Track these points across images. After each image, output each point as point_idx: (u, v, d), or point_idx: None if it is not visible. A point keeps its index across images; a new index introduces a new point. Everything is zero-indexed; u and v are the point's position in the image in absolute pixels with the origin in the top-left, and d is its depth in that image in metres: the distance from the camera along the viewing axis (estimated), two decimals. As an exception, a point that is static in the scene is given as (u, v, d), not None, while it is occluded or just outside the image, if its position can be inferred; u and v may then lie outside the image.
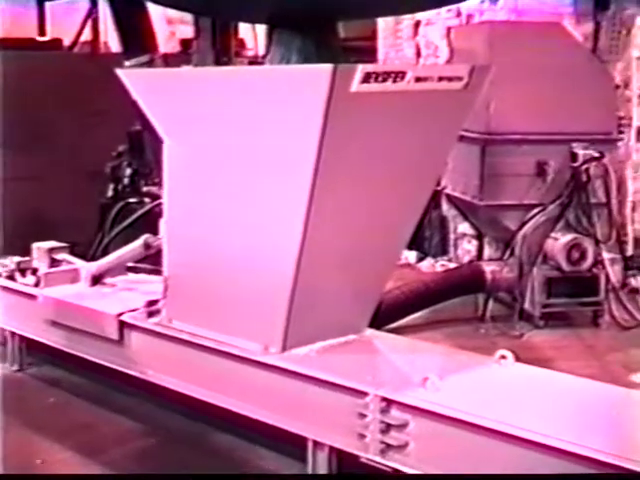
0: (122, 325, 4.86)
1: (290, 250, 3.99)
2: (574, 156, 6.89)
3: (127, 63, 7.61)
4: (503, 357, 4.12)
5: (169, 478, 3.52)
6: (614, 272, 7.07)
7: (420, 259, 8.75)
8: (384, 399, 3.75)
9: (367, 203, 4.08)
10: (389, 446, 3.75)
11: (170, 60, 8.31)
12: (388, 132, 3.93)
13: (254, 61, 10.30)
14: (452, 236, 8.80)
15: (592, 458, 3.19)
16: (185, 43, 10.36)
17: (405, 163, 4.07)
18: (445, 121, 4.12)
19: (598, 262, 6.84)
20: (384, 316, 5.96)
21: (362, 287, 4.38)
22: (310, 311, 4.17)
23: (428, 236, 9.04)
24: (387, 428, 3.75)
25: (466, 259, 8.35)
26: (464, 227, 8.38)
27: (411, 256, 8.75)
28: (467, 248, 8.56)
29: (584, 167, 6.84)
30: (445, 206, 8.65)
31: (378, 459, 3.80)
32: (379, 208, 4.13)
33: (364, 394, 3.81)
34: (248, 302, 4.27)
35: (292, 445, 4.18)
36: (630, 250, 8.39)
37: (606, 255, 6.98)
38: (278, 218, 4.05)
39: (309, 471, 4.07)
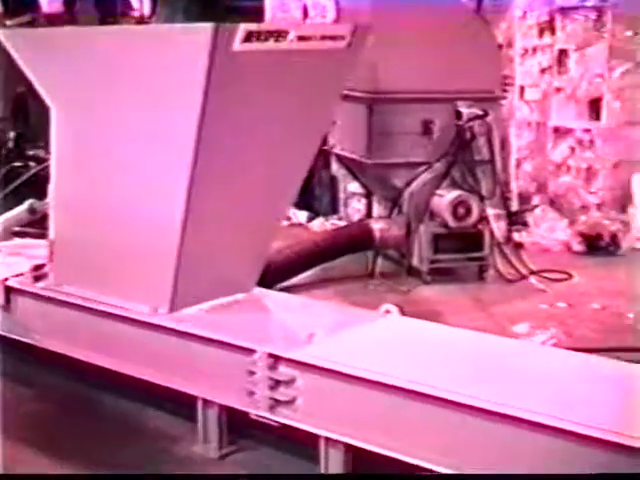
0: (8, 290, 4.79)
1: (175, 211, 3.98)
2: (458, 114, 7.00)
3: (8, 23, 7.43)
4: (388, 311, 4.20)
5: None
6: (499, 227, 7.25)
7: (311, 219, 8.81)
8: (271, 356, 3.78)
9: (251, 162, 4.08)
10: (278, 402, 3.79)
11: (54, 20, 8.14)
12: (271, 91, 3.94)
13: (140, 21, 10.15)
14: (342, 195, 8.89)
15: (478, 407, 3.28)
16: (69, 3, 10.14)
17: (289, 122, 4.09)
18: (328, 80, 4.15)
19: (483, 218, 6.99)
20: (275, 275, 6.02)
21: (249, 246, 4.40)
22: (197, 271, 4.18)
23: (319, 196, 9.11)
24: (275, 384, 3.79)
25: (356, 218, 8.45)
26: (354, 186, 8.46)
27: (302, 216, 8.80)
28: (357, 207, 8.66)
29: (468, 125, 6.96)
30: (335, 166, 8.72)
31: (267, 415, 3.84)
32: (263, 167, 4.15)
33: (252, 352, 3.83)
34: (135, 264, 4.25)
35: (184, 405, 4.20)
36: (515, 206, 8.63)
37: (491, 211, 7.14)
38: (162, 179, 4.03)
39: (200, 429, 4.10)
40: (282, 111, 4.03)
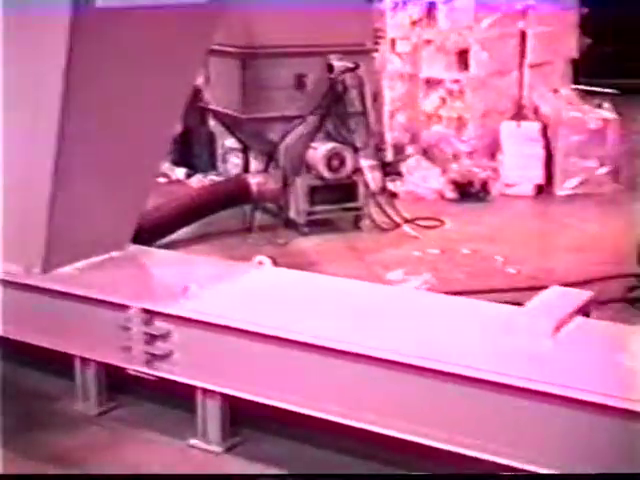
0: None
1: (45, 169, 3.92)
2: (331, 68, 7.03)
3: None
4: (261, 263, 4.23)
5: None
6: (373, 178, 7.35)
7: (189, 175, 8.75)
8: (146, 311, 3.79)
9: (119, 119, 4.03)
10: (154, 356, 3.81)
11: None
12: (135, 48, 3.90)
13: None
14: (220, 151, 8.84)
15: (354, 353, 3.35)
16: None
17: (155, 76, 4.05)
18: (193, 35, 4.11)
19: (357, 169, 7.07)
20: (152, 232, 5.99)
21: (121, 203, 4.36)
22: (70, 229, 4.13)
23: (197, 152, 9.04)
24: (151, 339, 3.79)
25: (235, 173, 8.42)
26: (231, 142, 8.43)
27: (180, 173, 8.74)
28: (235, 162, 8.62)
29: (340, 78, 7.00)
30: (211, 122, 8.67)
31: (144, 370, 3.85)
32: (131, 124, 4.11)
33: (126, 308, 3.83)
34: (7, 224, 4.17)
35: (62, 364, 4.17)
36: (389, 156, 8.74)
37: (365, 162, 7.23)
38: (31, 136, 3.96)
39: (78, 387, 4.09)
40: (148, 66, 3.99)
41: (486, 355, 3.23)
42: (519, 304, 3.72)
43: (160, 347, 3.79)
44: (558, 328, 3.34)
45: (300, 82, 7.12)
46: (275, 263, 4.29)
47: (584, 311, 3.61)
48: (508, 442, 3.10)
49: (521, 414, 3.09)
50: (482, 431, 3.15)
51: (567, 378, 3.02)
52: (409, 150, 8.71)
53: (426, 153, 8.64)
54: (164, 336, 3.77)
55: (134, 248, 4.59)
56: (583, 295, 3.69)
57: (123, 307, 3.84)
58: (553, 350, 3.22)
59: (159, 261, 4.58)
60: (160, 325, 3.79)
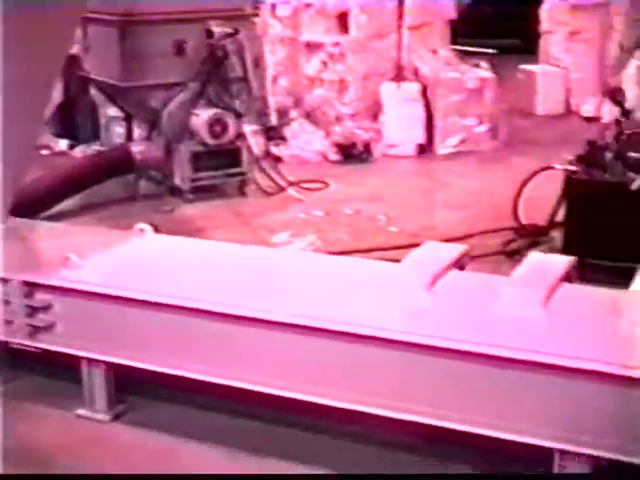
0: None
1: None
2: (210, 34, 6.99)
3: None
4: (142, 230, 4.20)
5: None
6: (256, 143, 7.36)
7: (72, 146, 8.60)
8: (26, 283, 3.74)
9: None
10: (37, 328, 3.76)
11: None
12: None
13: None
14: (102, 121, 8.70)
15: (241, 316, 3.38)
16: None
17: (23, 49, 3.96)
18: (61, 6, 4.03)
19: (240, 135, 7.06)
20: (34, 204, 5.89)
21: (-3, 176, 4.26)
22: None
23: (79, 123, 8.88)
24: (32, 311, 3.75)
25: (118, 142, 8.31)
26: (113, 111, 8.31)
27: (63, 144, 8.58)
28: (119, 131, 8.50)
29: (220, 44, 6.96)
30: (93, 91, 8.51)
31: (27, 342, 3.81)
32: (1, 94, 4.01)
33: (6, 281, 3.77)
34: None
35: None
36: (273, 121, 8.74)
37: (248, 128, 7.22)
38: None
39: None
40: (15, 37, 3.90)
41: (365, 311, 3.29)
42: (399, 261, 3.79)
43: (42, 319, 3.75)
44: (433, 282, 3.42)
45: (180, 49, 7.05)
46: (156, 230, 4.27)
47: (459, 265, 3.70)
48: (393, 394, 3.19)
49: (402, 366, 3.17)
50: (365, 385, 3.22)
51: (443, 329, 3.11)
52: (292, 114, 8.73)
53: (309, 116, 8.68)
54: (45, 308, 3.73)
55: (14, 221, 4.50)
56: (457, 249, 3.78)
57: (3, 280, 3.78)
58: (428, 303, 3.30)
59: (40, 233, 4.50)
60: (41, 297, 3.74)
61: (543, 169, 5.75)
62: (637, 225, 5.00)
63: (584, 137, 5.56)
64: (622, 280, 3.49)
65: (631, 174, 5.16)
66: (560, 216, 5.48)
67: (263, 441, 3.50)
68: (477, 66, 8.78)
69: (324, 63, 8.78)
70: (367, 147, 8.21)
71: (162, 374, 3.55)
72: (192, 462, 3.42)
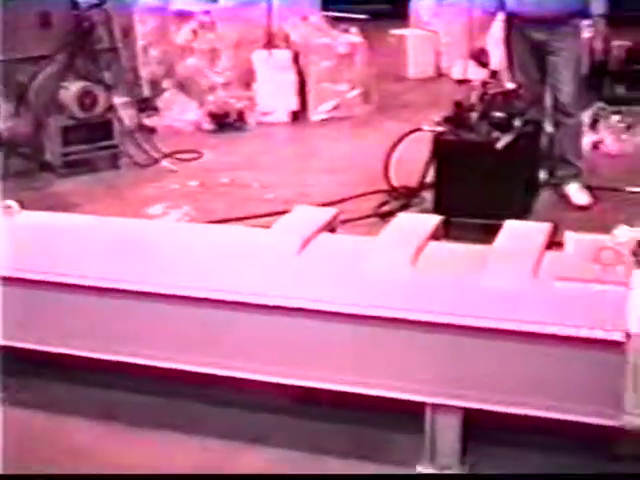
0: None
1: None
2: (76, 5, 6.84)
3: None
4: (8, 207, 4.10)
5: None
6: (128, 115, 7.25)
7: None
8: None
9: None
10: None
11: None
12: None
13: None
14: (-32, 97, 8.44)
15: (122, 290, 3.35)
16: None
17: None
18: None
19: (111, 107, 6.95)
20: None
21: None
22: None
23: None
24: None
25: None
26: (-23, 86, 8.07)
27: None
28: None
29: (86, 14, 6.83)
30: (-44, 67, 8.24)
31: None
32: None
33: None
34: None
35: None
36: (145, 92, 8.63)
37: (118, 100, 7.12)
38: None
39: None
40: None
41: (235, 278, 3.31)
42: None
43: None
44: (303, 246, 3.44)
45: (45, 21, 6.87)
46: (23, 206, 4.17)
47: (330, 228, 3.75)
48: (265, 358, 3.22)
49: (273, 331, 3.21)
50: (239, 351, 3.25)
51: (312, 292, 3.16)
52: (164, 84, 8.64)
53: (182, 86, 8.60)
54: None
55: None
56: (328, 213, 3.82)
57: None
58: (298, 267, 3.33)
59: None
60: None
61: (412, 131, 5.85)
62: (503, 183, 5.16)
63: (454, 99, 5.67)
64: (489, 237, 3.58)
65: (496, 133, 5.30)
66: (431, 177, 5.59)
67: (153, 414, 3.47)
68: (347, 31, 8.83)
69: (195, 32, 8.71)
70: (241, 115, 8.19)
71: (45, 353, 3.49)
72: (82, 438, 3.38)
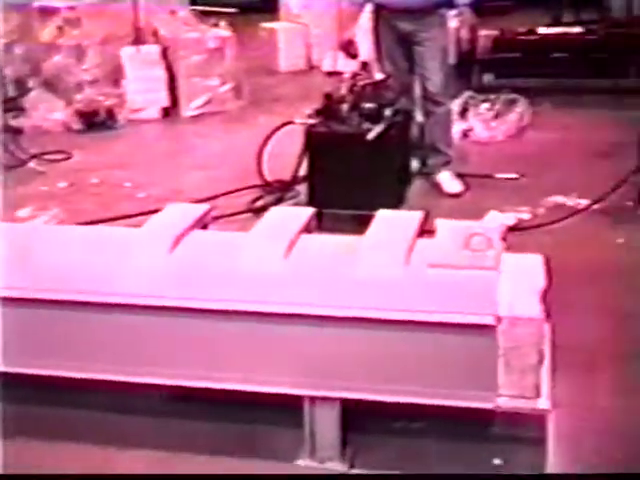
0: None
1: None
2: None
3: None
4: None
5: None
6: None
7: None
8: None
9: None
10: None
11: None
12: None
13: None
14: None
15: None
16: None
17: None
18: None
19: (-26, 108, 6.75)
20: None
21: None
22: None
23: None
24: None
25: None
26: None
27: None
28: None
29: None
30: None
31: None
32: None
33: None
34: None
35: None
36: (11, 92, 8.39)
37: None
38: None
39: None
40: None
41: (105, 278, 3.24)
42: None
43: None
44: (175, 243, 3.40)
45: None
46: None
47: (202, 225, 3.71)
48: (133, 358, 3.17)
49: (144, 330, 3.16)
50: (107, 352, 3.19)
51: (184, 290, 3.12)
52: (30, 83, 8.41)
53: (48, 85, 8.38)
54: None
55: None
56: (199, 209, 3.78)
57: None
58: (170, 265, 3.28)
59: None
60: None
61: (283, 125, 5.84)
62: (375, 174, 5.20)
63: (325, 91, 5.69)
64: (363, 227, 3.60)
65: (367, 124, 5.33)
66: (304, 170, 5.60)
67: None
68: (217, 26, 8.77)
69: (60, 29, 8.49)
70: (110, 113, 8.04)
71: None
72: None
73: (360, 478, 3.11)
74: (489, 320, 2.87)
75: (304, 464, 3.14)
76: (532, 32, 8.94)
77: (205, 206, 3.89)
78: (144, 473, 3.19)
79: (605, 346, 3.87)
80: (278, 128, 5.90)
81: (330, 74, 9.22)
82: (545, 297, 2.97)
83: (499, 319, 2.86)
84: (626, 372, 3.68)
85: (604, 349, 3.85)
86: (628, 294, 4.39)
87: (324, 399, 3.10)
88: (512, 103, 7.48)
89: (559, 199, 5.75)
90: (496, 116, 7.39)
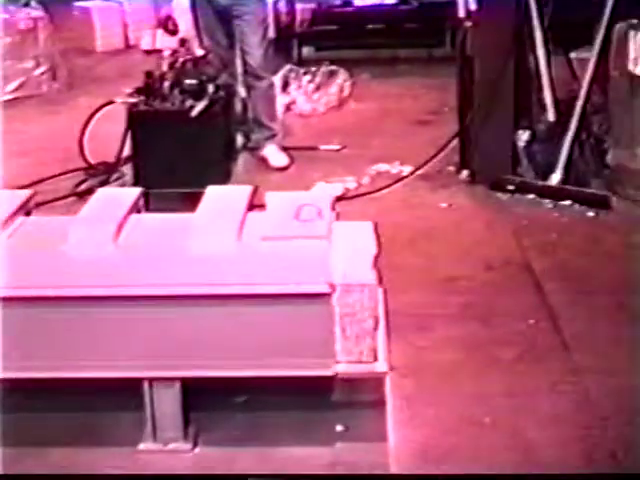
0: None
1: None
2: None
3: None
4: None
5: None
6: None
7: None
8: None
9: None
10: None
11: None
12: None
13: None
14: None
15: None
16: None
17: None
18: None
19: None
20: None
21: None
22: None
23: None
24: None
25: None
26: None
27: None
28: None
29: None
30: None
31: None
32: None
33: None
34: None
35: None
36: None
37: None
38: None
39: None
40: None
41: None
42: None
43: None
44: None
45: None
46: None
47: (25, 211, 3.59)
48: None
49: None
50: None
51: (15, 279, 3.02)
52: None
53: None
54: None
55: None
56: (20, 195, 3.66)
57: None
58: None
59: None
60: None
61: (104, 105, 5.71)
62: (201, 151, 5.17)
63: (145, 69, 5.59)
64: (192, 205, 3.56)
65: (190, 101, 5.29)
66: (128, 151, 5.50)
67: None
68: (27, 5, 8.47)
69: None
70: None
71: None
72: None
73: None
74: (323, 288, 2.90)
75: (146, 447, 3.09)
76: (348, 4, 9.08)
77: (27, 192, 3.77)
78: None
79: (432, 309, 3.99)
80: (99, 109, 5.76)
81: (149, 52, 9.04)
82: (376, 263, 3.03)
83: (333, 287, 2.90)
84: (457, 332, 3.81)
85: (431, 312, 3.97)
86: (451, 256, 4.54)
87: (162, 379, 3.06)
88: (332, 75, 7.58)
89: (383, 167, 5.88)
90: (317, 88, 7.47)
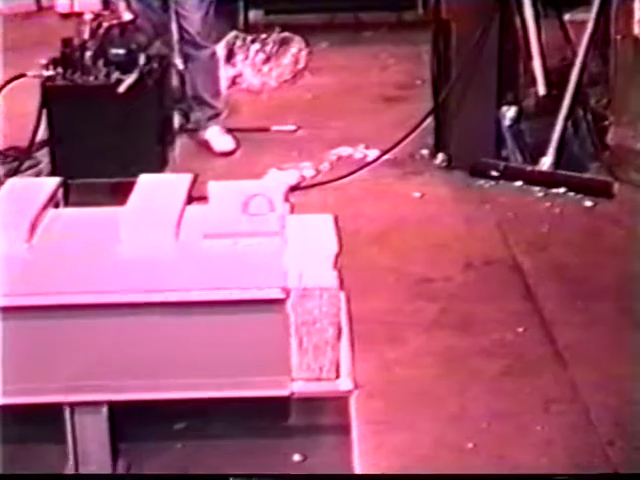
0: None
1: None
2: None
3: None
4: None
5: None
6: None
7: None
8: None
9: None
10: None
11: None
12: None
13: None
14: None
15: None
16: None
17: None
18: None
19: None
20: None
21: None
22: None
23: None
24: None
25: None
26: None
27: None
28: None
29: None
30: None
31: None
32: None
33: None
34: None
35: None
36: None
37: None
38: None
39: None
40: None
41: None
42: None
43: None
44: None
45: None
46: None
47: None
48: None
49: None
50: None
51: None
52: None
53: None
54: None
55: None
56: None
57: None
58: None
59: None
60: None
61: (13, 79, 5.66)
62: (131, 133, 5.15)
63: (62, 37, 5.56)
64: (121, 197, 3.55)
65: (117, 74, 5.27)
66: (44, 133, 5.47)
67: None
68: None
69: None
70: None
71: None
72: None
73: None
74: (276, 293, 2.90)
75: (70, 486, 3.07)
76: (302, -41, 9.06)
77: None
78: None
79: (403, 316, 4.01)
80: (7, 83, 5.71)
81: (67, 16, 8.98)
82: (338, 263, 3.03)
83: (287, 291, 2.89)
84: (432, 344, 3.83)
85: (402, 319, 3.98)
86: (425, 254, 4.56)
87: (86, 404, 3.04)
88: (285, 43, 7.57)
89: (344, 151, 5.89)
90: (268, 59, 7.46)
